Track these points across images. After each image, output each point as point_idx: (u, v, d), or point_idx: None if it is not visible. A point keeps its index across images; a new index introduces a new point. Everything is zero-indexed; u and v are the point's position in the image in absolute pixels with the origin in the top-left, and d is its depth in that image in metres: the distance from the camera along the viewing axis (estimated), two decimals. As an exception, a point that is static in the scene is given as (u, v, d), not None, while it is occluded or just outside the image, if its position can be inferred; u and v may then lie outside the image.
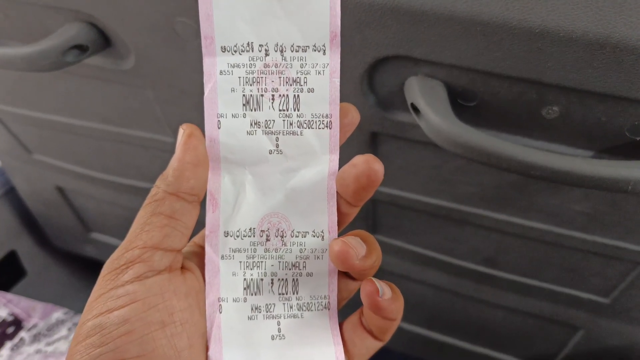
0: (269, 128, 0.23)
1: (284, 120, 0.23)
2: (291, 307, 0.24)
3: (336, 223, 0.24)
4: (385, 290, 0.22)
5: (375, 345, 0.24)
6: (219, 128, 0.23)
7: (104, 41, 0.44)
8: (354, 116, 0.23)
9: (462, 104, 0.35)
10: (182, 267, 0.23)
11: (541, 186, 0.40)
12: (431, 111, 0.33)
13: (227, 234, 0.23)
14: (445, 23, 0.31)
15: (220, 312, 0.23)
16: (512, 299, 0.53)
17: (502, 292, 0.53)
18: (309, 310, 0.24)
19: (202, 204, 0.23)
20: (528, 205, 0.42)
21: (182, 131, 0.22)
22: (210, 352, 0.22)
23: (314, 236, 0.24)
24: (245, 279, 0.23)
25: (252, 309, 0.23)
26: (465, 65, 0.32)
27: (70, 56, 0.43)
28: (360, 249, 0.22)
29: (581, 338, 0.53)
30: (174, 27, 0.39)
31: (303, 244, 0.24)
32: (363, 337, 0.24)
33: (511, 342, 0.60)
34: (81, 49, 0.43)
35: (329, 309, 0.24)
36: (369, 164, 0.22)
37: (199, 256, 0.24)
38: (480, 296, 0.55)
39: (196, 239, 0.25)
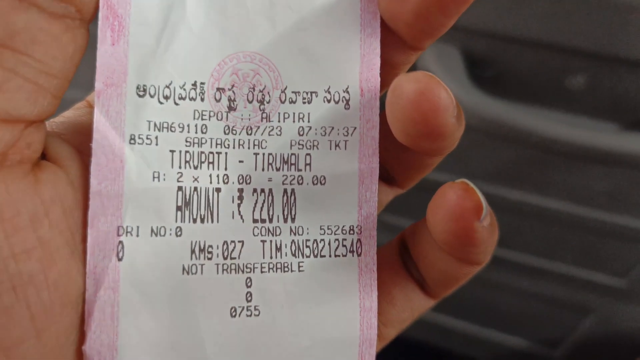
0: None
1: None
2: (279, 250, 0.13)
3: (378, 78, 0.13)
4: (488, 211, 0.12)
5: (423, 305, 0.15)
6: None
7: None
8: None
9: (479, 73, 0.34)
10: (42, 160, 0.12)
11: (560, 163, 0.39)
12: (446, 81, 0.31)
13: (145, 90, 0.12)
14: (463, -18, 0.29)
15: (120, 259, 0.12)
16: (522, 280, 0.52)
17: (512, 274, 0.52)
18: (316, 257, 0.13)
19: (93, 33, 0.12)
20: (545, 183, 0.41)
21: None
22: (88, 341, 0.12)
23: (328, 100, 0.13)
24: (181, 189, 0.13)
25: (193, 254, 0.13)
26: (483, 29, 0.31)
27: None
28: (450, 99, 0.12)
29: (593, 322, 0.53)
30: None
31: (305, 118, 0.13)
32: (407, 290, 0.15)
33: (519, 325, 0.59)
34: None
35: (359, 255, 0.13)
36: None
37: (83, 134, 0.13)
38: (489, 278, 0.54)
39: (89, 99, 0.14)
